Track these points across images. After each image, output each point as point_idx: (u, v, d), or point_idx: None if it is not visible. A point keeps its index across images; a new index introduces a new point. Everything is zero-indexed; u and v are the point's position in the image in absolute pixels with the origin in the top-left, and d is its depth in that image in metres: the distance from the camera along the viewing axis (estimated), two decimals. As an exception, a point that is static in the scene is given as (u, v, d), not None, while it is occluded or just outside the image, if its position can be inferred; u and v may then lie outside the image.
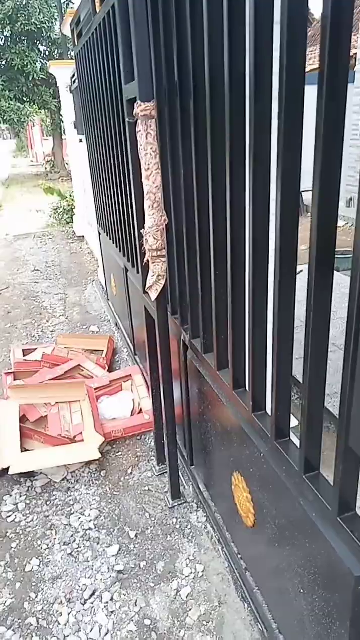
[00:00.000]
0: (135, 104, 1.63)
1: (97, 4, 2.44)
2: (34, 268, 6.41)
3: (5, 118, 15.79)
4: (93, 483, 2.49)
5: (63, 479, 2.52)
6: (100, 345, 3.75)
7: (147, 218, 1.74)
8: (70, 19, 5.15)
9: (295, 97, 1.01)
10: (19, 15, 13.73)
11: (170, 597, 1.85)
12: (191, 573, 1.93)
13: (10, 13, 13.60)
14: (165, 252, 1.81)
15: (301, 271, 1.33)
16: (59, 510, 2.33)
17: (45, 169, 19.26)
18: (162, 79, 1.71)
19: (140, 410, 2.94)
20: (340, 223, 7.42)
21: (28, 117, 17.05)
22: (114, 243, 3.47)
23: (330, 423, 2.56)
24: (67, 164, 18.75)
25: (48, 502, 2.38)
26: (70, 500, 2.39)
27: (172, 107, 1.70)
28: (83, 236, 7.76)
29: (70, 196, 8.96)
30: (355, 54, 7.61)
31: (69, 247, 7.48)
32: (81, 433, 2.68)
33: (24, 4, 13.75)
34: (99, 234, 4.47)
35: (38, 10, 13.97)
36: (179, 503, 2.27)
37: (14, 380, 3.26)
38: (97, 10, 2.47)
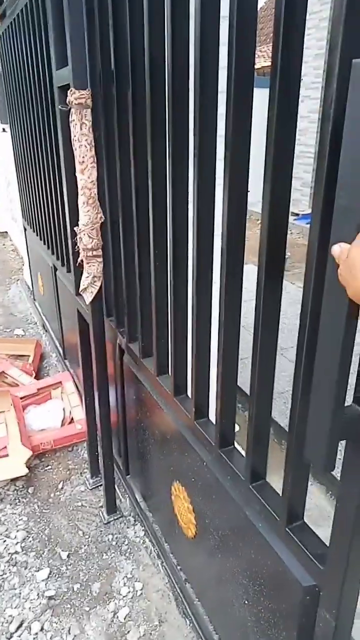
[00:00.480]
0: (69, 92, 1.50)
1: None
2: None
3: None
4: (19, 501, 2.29)
5: (-15, 499, 2.30)
6: (27, 349, 3.51)
7: (82, 215, 1.62)
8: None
9: (245, 92, 0.95)
10: None
11: (107, 620, 1.73)
12: (129, 592, 1.82)
13: None
14: (101, 251, 1.69)
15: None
16: (-19, 534, 2.11)
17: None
18: (97, 65, 1.58)
19: (72, 419, 2.77)
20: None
21: None
22: (41, 240, 3.26)
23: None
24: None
25: (-32, 525, 2.16)
26: (-7, 521, 2.18)
27: (108, 96, 1.58)
28: (6, 232, 7.32)
29: (-8, 190, 8.41)
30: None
31: (-9, 244, 7.01)
32: (5, 447, 2.46)
33: None
34: (24, 229, 4.20)
35: None
36: (115, 517, 2.15)
37: None
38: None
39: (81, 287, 1.75)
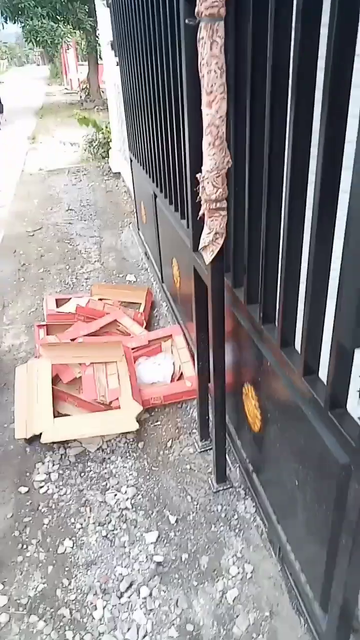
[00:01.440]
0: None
1: None
2: (68, 207, 6.04)
3: (38, 39, 14.71)
4: (130, 455, 2.29)
5: (98, 449, 2.32)
6: (138, 297, 3.45)
7: (206, 159, 1.35)
8: None
9: None
10: None
11: (215, 599, 1.65)
12: (238, 573, 1.72)
13: None
14: (226, 203, 1.43)
15: None
16: (94, 484, 2.15)
17: (80, 97, 18.22)
18: None
19: (181, 375, 2.67)
20: None
21: (62, 38, 15.82)
22: (157, 187, 3.02)
23: None
24: (102, 91, 17.65)
25: (82, 474, 2.20)
26: (105, 473, 2.20)
27: (243, 6, 1.24)
28: (119, 172, 7.26)
29: (106, 127, 8.34)
30: None
31: (105, 184, 7.02)
32: (117, 399, 2.45)
33: None
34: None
35: None
36: (225, 488, 2.03)
37: (47, 334, 3.04)
38: None
39: (201, 244, 1.52)
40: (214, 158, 1.35)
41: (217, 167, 1.36)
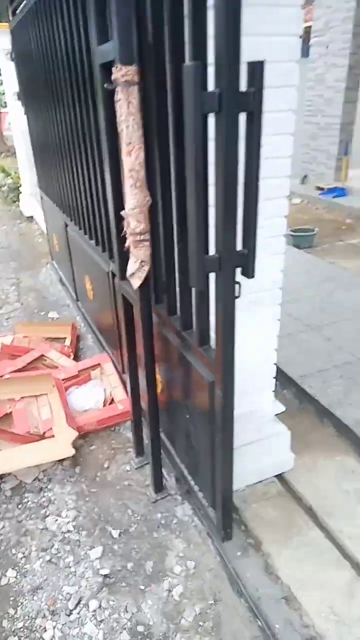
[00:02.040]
0: (114, 68, 1.45)
1: None
2: (-19, 250, 5.98)
3: None
4: (67, 481, 2.34)
5: (34, 479, 2.35)
6: (63, 332, 3.54)
7: (129, 198, 1.58)
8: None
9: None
10: None
11: (163, 598, 1.77)
12: (182, 571, 1.86)
13: None
14: (149, 235, 1.66)
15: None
16: (33, 514, 2.17)
17: (-17, 143, 18.02)
18: (146, 37, 1.51)
19: (112, 400, 2.80)
20: (296, 200, 7.45)
21: None
22: (79, 228, 3.22)
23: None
24: (7, 138, 17.61)
25: (20, 506, 2.22)
26: (44, 501, 2.23)
27: (158, 71, 1.52)
28: (32, 216, 7.33)
29: (15, 173, 8.41)
30: (309, 26, 7.55)
31: (17, 227, 7.04)
32: (51, 428, 2.51)
33: None
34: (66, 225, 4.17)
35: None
36: (163, 496, 2.18)
37: (-29, 374, 3.01)
38: None
39: (128, 272, 1.72)
40: (136, 197, 1.58)
41: (139, 205, 1.59)
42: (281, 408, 2.20)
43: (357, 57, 6.92)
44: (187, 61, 1.34)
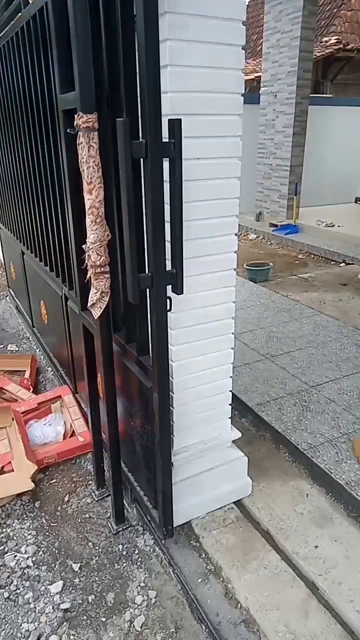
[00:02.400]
0: (76, 115, 1.56)
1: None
2: None
3: None
4: (27, 516, 2.30)
5: (-8, 515, 2.30)
6: (22, 365, 3.52)
7: (90, 233, 1.67)
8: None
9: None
10: None
11: (124, 629, 1.76)
12: (144, 601, 1.85)
13: None
14: (109, 267, 1.75)
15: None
16: (-10, 551, 2.12)
17: None
18: (104, 89, 1.65)
19: (73, 432, 2.79)
20: (252, 236, 7.79)
21: None
22: (40, 260, 3.29)
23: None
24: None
25: (-24, 543, 2.16)
26: (2, 537, 2.18)
27: (114, 118, 1.65)
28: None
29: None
30: (259, 76, 8.11)
31: (-24, 260, 6.96)
32: (10, 462, 2.47)
33: None
34: (22, 253, 4.24)
35: None
36: (124, 527, 2.18)
37: None
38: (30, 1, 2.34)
39: (89, 303, 1.79)
40: (96, 232, 1.67)
41: (99, 240, 1.68)
42: (238, 434, 2.28)
43: (301, 107, 7.48)
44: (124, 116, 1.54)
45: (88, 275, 1.76)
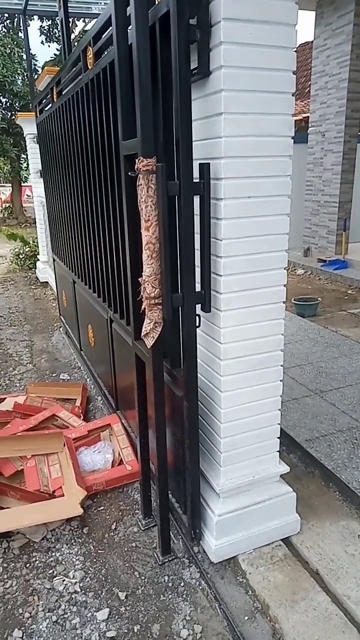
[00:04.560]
0: (137, 160, 1.70)
1: (90, 62, 2.56)
2: (-4, 314, 6.24)
3: None
4: (75, 541, 2.35)
5: (42, 538, 2.36)
6: (74, 393, 3.65)
7: (146, 267, 1.78)
8: (47, 76, 5.40)
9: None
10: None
11: (169, 663, 1.74)
12: (189, 635, 1.83)
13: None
14: (162, 299, 1.84)
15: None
16: (40, 573, 2.17)
17: (3, 214, 19.18)
18: (159, 137, 1.80)
19: (121, 461, 2.85)
20: (300, 271, 7.78)
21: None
22: (93, 291, 3.46)
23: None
24: (25, 210, 18.80)
25: (28, 565, 2.22)
26: (51, 561, 2.24)
27: (169, 162, 1.78)
28: (47, 282, 7.68)
29: (33, 242, 8.92)
30: (307, 117, 8.29)
31: (33, 292, 7.36)
32: (61, 487, 2.55)
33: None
34: (73, 283, 4.47)
35: (1, 65, 14.40)
36: (170, 559, 2.17)
37: (-16, 432, 3.09)
38: (90, 66, 2.58)
39: (143, 332, 1.88)
40: (152, 266, 1.78)
41: (154, 273, 1.78)
42: (286, 469, 2.25)
43: (350, 145, 7.56)
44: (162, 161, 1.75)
45: (142, 307, 1.85)
